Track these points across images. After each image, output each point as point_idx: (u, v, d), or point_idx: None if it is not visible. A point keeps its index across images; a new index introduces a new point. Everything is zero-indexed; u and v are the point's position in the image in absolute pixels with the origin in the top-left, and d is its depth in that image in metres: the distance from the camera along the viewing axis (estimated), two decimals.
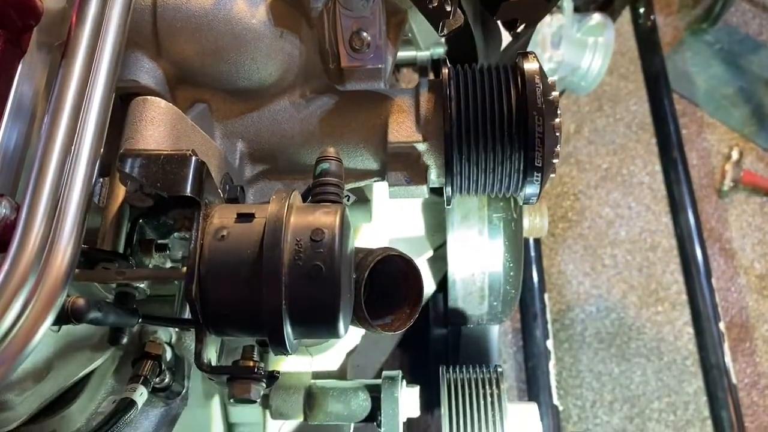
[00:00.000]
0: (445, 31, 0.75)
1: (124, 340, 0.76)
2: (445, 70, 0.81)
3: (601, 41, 1.87)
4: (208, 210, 0.64)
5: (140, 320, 0.69)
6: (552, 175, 0.82)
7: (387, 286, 0.74)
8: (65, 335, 0.76)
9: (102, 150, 0.64)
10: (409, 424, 1.09)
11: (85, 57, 0.64)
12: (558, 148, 0.79)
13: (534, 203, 0.85)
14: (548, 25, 1.75)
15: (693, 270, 2.21)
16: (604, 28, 1.88)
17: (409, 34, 0.97)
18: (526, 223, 1.19)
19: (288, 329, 0.60)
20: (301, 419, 1.05)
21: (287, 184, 0.85)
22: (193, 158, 0.64)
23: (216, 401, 1.09)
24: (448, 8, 0.76)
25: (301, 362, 1.05)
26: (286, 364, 1.05)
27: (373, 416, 1.05)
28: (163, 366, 0.85)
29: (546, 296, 2.05)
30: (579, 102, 2.64)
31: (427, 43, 0.97)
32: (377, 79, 0.82)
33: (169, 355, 0.88)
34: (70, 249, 0.57)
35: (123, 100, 0.76)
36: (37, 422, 0.79)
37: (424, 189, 0.83)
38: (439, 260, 1.25)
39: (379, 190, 1.13)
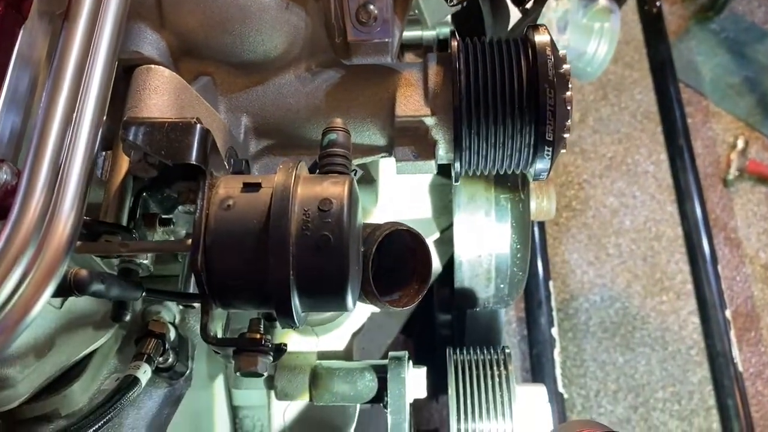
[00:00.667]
0: (455, 1, 0.73)
1: (128, 317, 0.75)
2: (455, 43, 0.80)
3: (607, 26, 1.85)
4: (214, 180, 0.63)
5: (144, 294, 0.67)
6: (563, 151, 0.81)
7: (395, 261, 0.73)
8: (67, 312, 0.74)
9: (104, 120, 0.63)
10: (415, 407, 1.08)
11: (86, 25, 0.63)
12: (569, 122, 0.78)
13: (544, 179, 0.83)
14: (554, 9, 1.74)
15: (699, 257, 2.19)
16: (609, 13, 1.86)
17: (416, 11, 0.96)
18: (533, 205, 1.18)
19: (296, 300, 0.59)
20: (306, 400, 1.04)
21: (293, 159, 0.83)
22: (198, 126, 0.62)
23: (220, 384, 1.08)
24: None
25: (306, 342, 1.04)
26: (291, 343, 1.03)
27: (380, 397, 1.04)
28: (167, 345, 0.84)
29: (551, 284, 2.04)
30: (584, 91, 2.62)
31: (434, 21, 0.95)
32: (384, 54, 0.80)
33: (173, 335, 0.87)
34: (71, 218, 0.56)
35: (126, 72, 0.74)
36: (40, 400, 0.78)
37: (432, 164, 0.82)
38: (445, 242, 1.24)
39: (385, 170, 1.12)
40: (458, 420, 0.99)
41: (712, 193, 2.49)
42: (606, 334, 2.30)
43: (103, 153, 0.73)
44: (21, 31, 0.63)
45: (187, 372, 0.91)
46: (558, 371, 1.91)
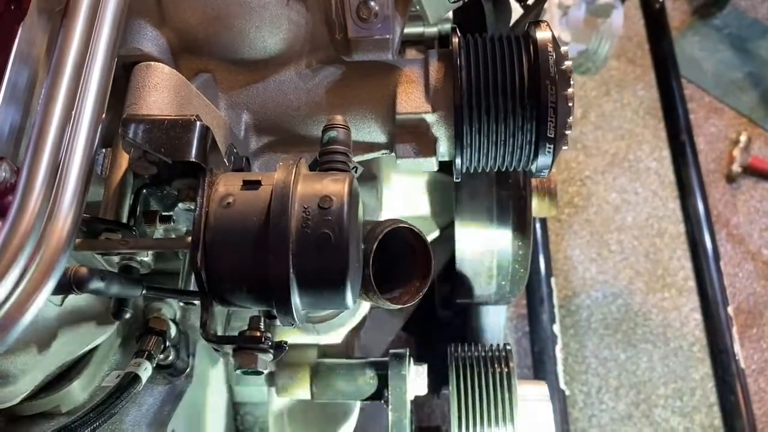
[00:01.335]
0: None
1: (128, 315, 0.75)
2: (456, 39, 0.79)
3: (609, 22, 1.84)
4: (213, 177, 0.63)
5: (144, 291, 0.67)
6: (564, 147, 0.80)
7: (395, 259, 0.72)
8: (68, 309, 0.74)
9: (104, 117, 0.63)
10: (416, 404, 1.08)
11: (85, 21, 0.63)
12: (571, 119, 0.77)
13: (545, 176, 0.83)
14: (556, 4, 1.73)
15: (701, 254, 2.19)
16: (612, 8, 1.85)
17: (417, 7, 0.95)
18: (534, 202, 1.17)
19: (296, 298, 0.59)
20: (307, 397, 1.04)
21: (293, 156, 0.83)
22: (198, 123, 0.62)
23: (221, 380, 1.08)
24: None
25: (307, 337, 1.04)
26: (291, 339, 1.03)
27: (380, 394, 1.04)
28: (167, 342, 0.84)
29: (553, 280, 2.04)
30: (586, 87, 2.62)
31: (435, 17, 0.95)
32: (385, 50, 0.80)
33: (173, 332, 0.87)
34: (71, 214, 0.56)
35: (126, 69, 0.74)
36: (40, 397, 0.78)
37: (433, 161, 0.81)
38: (445, 240, 1.23)
39: (385, 168, 1.11)
40: (459, 417, 0.99)
41: (715, 190, 2.48)
42: (608, 330, 2.30)
43: (103, 150, 0.72)
44: (20, 28, 0.63)
45: (188, 369, 0.91)
46: (560, 368, 1.90)
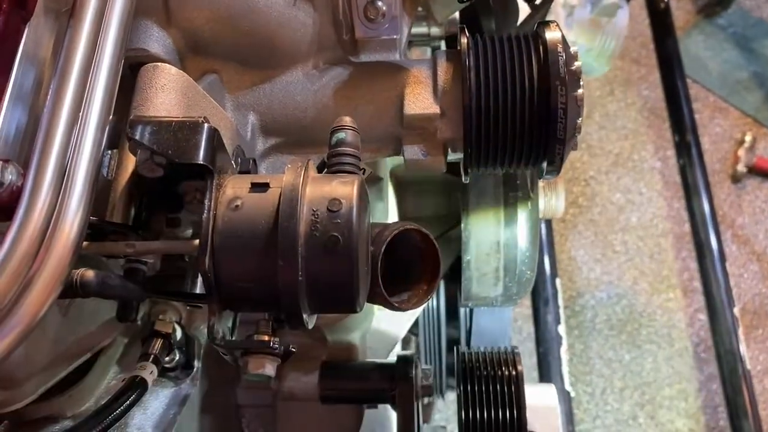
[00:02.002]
0: None
1: (133, 317, 0.74)
2: (464, 40, 0.79)
3: (615, 22, 1.84)
4: (221, 180, 0.62)
5: (150, 294, 0.67)
6: (573, 150, 0.80)
7: (403, 261, 0.72)
8: (74, 312, 0.74)
9: (111, 118, 0.62)
10: (423, 406, 1.07)
11: (92, 22, 0.62)
12: (580, 121, 0.77)
13: (554, 178, 0.82)
14: (561, 4, 1.72)
15: (706, 254, 2.18)
16: (617, 8, 1.84)
17: (421, 8, 0.94)
18: (542, 203, 1.17)
19: (304, 302, 0.58)
20: (315, 400, 1.04)
21: (301, 158, 0.82)
22: (206, 125, 0.61)
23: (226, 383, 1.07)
24: None
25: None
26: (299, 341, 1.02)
27: (388, 397, 1.03)
28: (173, 345, 0.84)
29: (557, 281, 2.03)
30: (590, 86, 2.61)
31: (443, 17, 0.94)
32: (392, 51, 0.79)
33: (179, 334, 0.86)
34: (78, 218, 0.55)
35: (132, 70, 0.73)
36: (45, 401, 0.77)
37: (441, 162, 0.81)
38: (451, 241, 1.23)
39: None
40: (467, 420, 0.98)
41: (720, 190, 2.47)
42: (612, 331, 2.29)
43: (109, 152, 0.72)
44: (26, 29, 0.62)
45: (194, 372, 0.90)
46: (565, 369, 1.90)
